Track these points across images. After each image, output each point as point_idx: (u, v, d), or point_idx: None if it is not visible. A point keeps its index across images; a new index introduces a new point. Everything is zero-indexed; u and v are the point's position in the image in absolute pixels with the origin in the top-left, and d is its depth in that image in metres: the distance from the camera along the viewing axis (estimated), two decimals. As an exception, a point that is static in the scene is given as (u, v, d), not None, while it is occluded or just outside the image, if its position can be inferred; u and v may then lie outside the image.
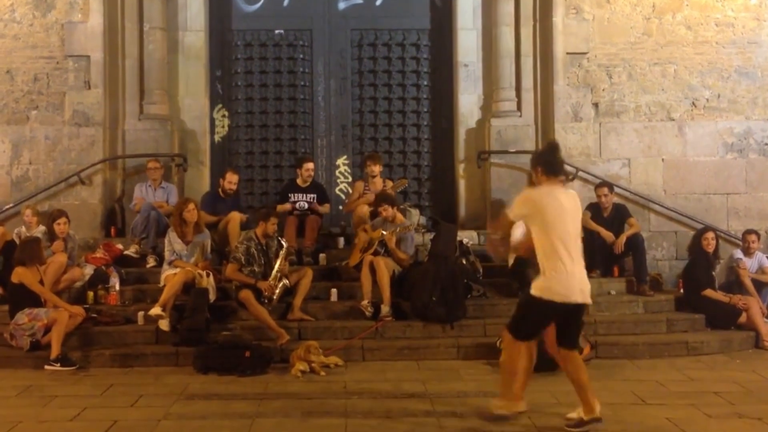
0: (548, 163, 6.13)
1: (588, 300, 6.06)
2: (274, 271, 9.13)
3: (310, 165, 11.00)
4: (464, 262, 9.86)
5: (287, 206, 10.68)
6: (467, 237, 10.52)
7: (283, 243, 9.38)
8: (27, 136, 11.26)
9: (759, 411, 6.59)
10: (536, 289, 5.96)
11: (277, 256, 9.24)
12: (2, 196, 11.19)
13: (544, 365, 8.06)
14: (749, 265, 10.31)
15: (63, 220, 9.71)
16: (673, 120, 11.49)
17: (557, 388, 7.37)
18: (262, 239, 9.31)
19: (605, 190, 10.50)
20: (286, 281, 9.22)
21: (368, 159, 10.97)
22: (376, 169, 10.80)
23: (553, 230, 5.90)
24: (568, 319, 6.05)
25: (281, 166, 12.34)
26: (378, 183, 10.74)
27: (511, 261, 9.90)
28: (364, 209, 10.36)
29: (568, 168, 11.01)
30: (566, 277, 5.89)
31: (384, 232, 9.61)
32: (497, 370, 8.07)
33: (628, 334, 9.24)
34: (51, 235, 9.69)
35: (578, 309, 6.06)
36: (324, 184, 11.75)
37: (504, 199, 10.93)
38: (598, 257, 10.36)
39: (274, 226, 9.37)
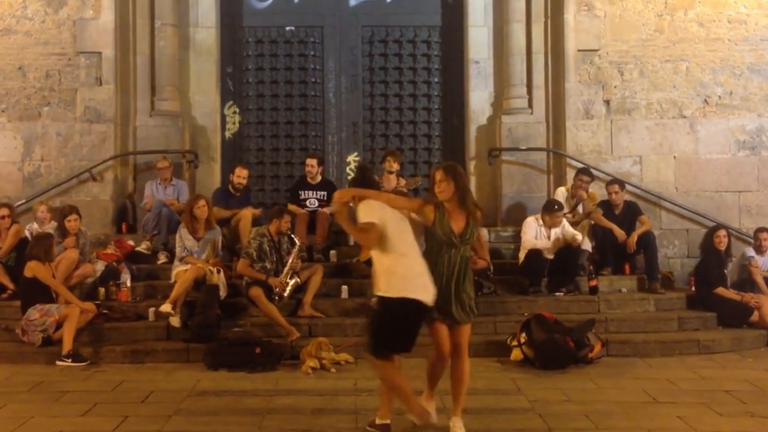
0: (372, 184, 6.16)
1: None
2: (286, 269, 9.14)
3: (310, 161, 10.94)
4: (475, 259, 9.84)
5: (302, 212, 10.60)
6: (478, 234, 10.50)
7: (296, 240, 9.39)
8: (39, 132, 11.30)
9: (771, 410, 6.58)
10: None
11: (289, 254, 9.25)
12: (14, 192, 11.22)
13: (553, 364, 8.09)
14: (761, 263, 10.27)
15: (74, 216, 9.71)
16: (685, 117, 11.44)
17: (566, 386, 7.38)
18: (275, 236, 9.32)
19: (616, 187, 10.48)
20: (297, 279, 9.22)
21: (389, 155, 10.88)
22: (395, 165, 10.76)
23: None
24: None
25: (292, 162, 12.35)
26: (392, 180, 10.70)
27: (522, 258, 9.91)
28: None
29: (578, 165, 11.03)
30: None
31: None
32: (507, 367, 8.13)
33: (639, 332, 9.21)
34: (62, 231, 9.70)
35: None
36: (334, 181, 11.75)
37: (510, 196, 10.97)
38: (610, 255, 10.35)
39: (287, 224, 9.38)
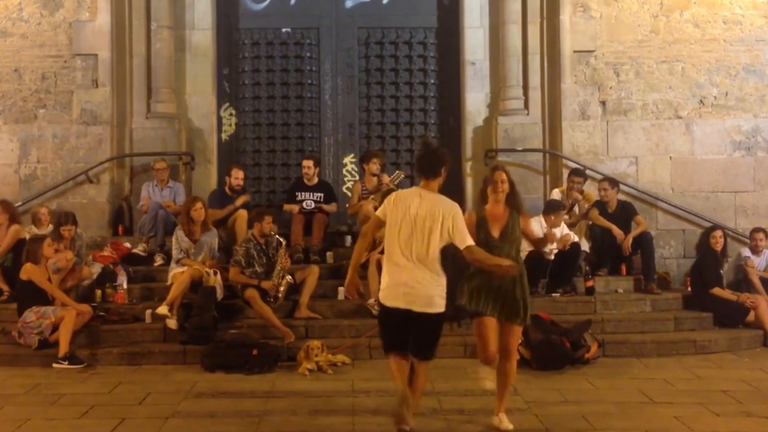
0: None
1: (413, 308, 5.92)
2: (276, 269, 9.15)
3: (307, 163, 10.95)
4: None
5: (295, 207, 10.67)
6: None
7: (281, 240, 9.39)
8: (35, 134, 11.28)
9: (767, 410, 6.58)
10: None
11: (277, 253, 9.26)
12: (11, 195, 11.17)
13: (550, 364, 8.11)
14: (757, 263, 10.29)
15: (69, 227, 9.60)
16: (681, 118, 11.45)
17: (563, 386, 7.39)
18: (260, 239, 9.34)
19: (605, 184, 10.48)
20: (289, 278, 9.23)
21: (375, 156, 10.86)
22: (374, 167, 10.74)
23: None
24: (409, 326, 5.87)
25: (288, 164, 12.32)
26: (373, 180, 10.70)
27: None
28: (369, 207, 10.35)
29: (574, 166, 11.02)
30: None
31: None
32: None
33: (636, 333, 9.23)
34: (57, 236, 9.60)
35: (414, 317, 5.88)
36: (331, 182, 11.75)
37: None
38: (607, 255, 10.35)
39: (269, 225, 9.38)
